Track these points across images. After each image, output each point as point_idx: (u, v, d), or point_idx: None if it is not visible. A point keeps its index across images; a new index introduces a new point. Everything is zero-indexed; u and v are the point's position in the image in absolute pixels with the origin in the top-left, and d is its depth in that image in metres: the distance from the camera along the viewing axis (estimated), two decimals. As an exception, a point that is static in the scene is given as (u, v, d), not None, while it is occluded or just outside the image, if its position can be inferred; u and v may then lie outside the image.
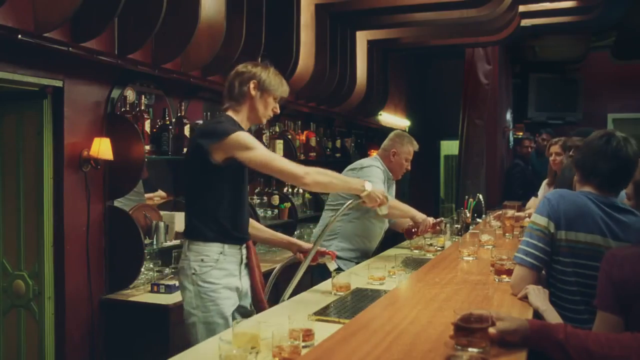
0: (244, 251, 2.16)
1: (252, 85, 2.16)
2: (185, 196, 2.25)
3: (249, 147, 2.03)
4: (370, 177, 3.01)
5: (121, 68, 2.92)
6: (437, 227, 3.27)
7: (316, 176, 2.13)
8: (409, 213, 3.19)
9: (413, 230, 3.24)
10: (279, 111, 2.27)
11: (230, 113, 2.18)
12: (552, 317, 1.63)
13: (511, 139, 7.80)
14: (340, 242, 3.12)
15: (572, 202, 1.85)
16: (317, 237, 2.62)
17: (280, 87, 2.23)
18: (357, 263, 3.13)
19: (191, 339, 2.04)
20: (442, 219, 3.40)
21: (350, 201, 2.33)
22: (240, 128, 2.12)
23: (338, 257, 2.97)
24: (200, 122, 3.72)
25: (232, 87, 2.20)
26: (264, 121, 2.26)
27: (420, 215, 3.17)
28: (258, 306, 2.20)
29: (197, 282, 2.04)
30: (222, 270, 2.07)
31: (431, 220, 3.17)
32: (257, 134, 4.17)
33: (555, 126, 7.53)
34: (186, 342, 1.98)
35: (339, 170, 2.93)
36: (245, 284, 2.17)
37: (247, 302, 2.20)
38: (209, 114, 3.79)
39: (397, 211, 3.13)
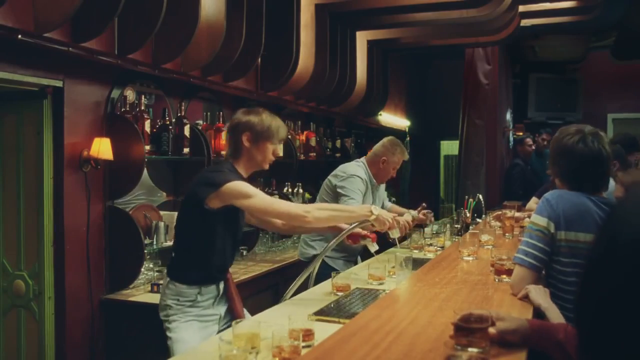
0: (221, 285, 2.24)
1: (245, 138, 2.18)
2: (176, 235, 2.30)
3: (248, 195, 2.07)
4: (349, 191, 3.07)
5: (121, 68, 2.92)
6: (423, 217, 3.36)
7: (317, 213, 2.15)
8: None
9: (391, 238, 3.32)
10: (281, 154, 2.28)
11: (231, 160, 2.23)
12: (554, 314, 1.62)
13: (511, 139, 7.80)
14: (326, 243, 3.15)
15: (571, 202, 1.86)
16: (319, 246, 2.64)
17: (276, 133, 2.22)
18: (346, 261, 3.20)
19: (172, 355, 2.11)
20: (422, 206, 3.44)
21: (356, 223, 2.33)
22: (241, 176, 2.16)
23: (326, 256, 3.02)
24: (200, 122, 3.73)
25: (229, 139, 2.25)
26: (266, 167, 2.28)
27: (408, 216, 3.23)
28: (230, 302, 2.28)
29: (170, 314, 2.14)
30: (196, 308, 2.16)
31: (410, 218, 3.15)
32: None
33: (555, 126, 7.52)
34: None
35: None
36: (218, 311, 2.23)
37: (222, 325, 2.25)
38: (208, 114, 3.80)
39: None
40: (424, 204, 3.49)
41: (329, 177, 3.29)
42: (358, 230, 2.41)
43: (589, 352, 0.65)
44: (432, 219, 3.54)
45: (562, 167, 1.96)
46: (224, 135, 3.67)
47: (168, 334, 2.13)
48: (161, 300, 2.19)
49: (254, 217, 2.42)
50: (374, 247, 2.54)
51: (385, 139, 3.40)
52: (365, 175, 3.23)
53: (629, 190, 0.78)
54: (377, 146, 3.36)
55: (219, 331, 2.17)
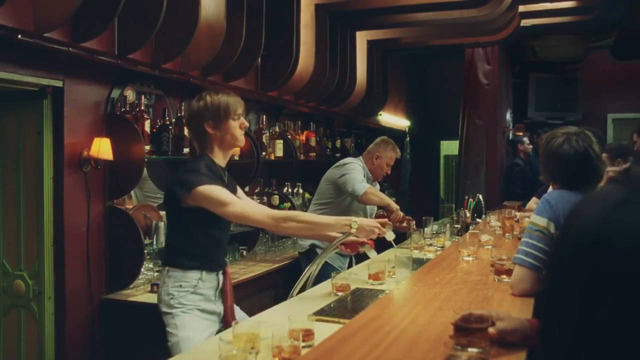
0: (221, 277, 2.21)
1: (207, 127, 2.13)
2: (167, 224, 2.28)
3: (222, 203, 2.04)
4: (350, 170, 3.31)
5: (121, 68, 2.92)
6: (404, 225, 3.52)
7: (292, 224, 2.10)
8: (385, 201, 3.48)
9: (383, 214, 3.50)
10: (247, 124, 2.21)
11: (207, 153, 2.18)
12: None
13: (510, 139, 7.81)
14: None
15: (571, 202, 1.85)
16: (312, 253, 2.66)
17: (233, 107, 2.14)
18: (341, 256, 3.26)
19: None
20: (409, 218, 3.63)
21: (342, 236, 2.20)
22: (218, 173, 2.13)
23: (318, 247, 3.09)
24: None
25: (193, 134, 2.20)
26: (241, 143, 2.22)
27: (394, 205, 3.47)
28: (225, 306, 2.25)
29: (174, 305, 2.09)
30: (198, 295, 2.12)
31: (402, 214, 3.47)
32: (258, 134, 4.17)
33: (555, 126, 7.51)
34: None
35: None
36: (219, 308, 2.21)
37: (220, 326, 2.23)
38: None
39: (376, 198, 3.43)
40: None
41: (328, 171, 3.42)
42: (353, 238, 2.28)
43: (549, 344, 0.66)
44: (414, 226, 3.60)
45: (553, 171, 1.97)
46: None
47: (170, 330, 2.08)
48: (161, 292, 2.13)
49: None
50: (373, 254, 2.55)
51: (377, 139, 3.66)
52: (363, 168, 3.48)
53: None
54: (371, 145, 3.64)
55: (218, 332, 2.16)
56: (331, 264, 3.21)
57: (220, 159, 2.19)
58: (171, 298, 2.10)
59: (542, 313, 0.71)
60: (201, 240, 2.13)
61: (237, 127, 2.16)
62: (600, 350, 0.59)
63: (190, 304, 2.10)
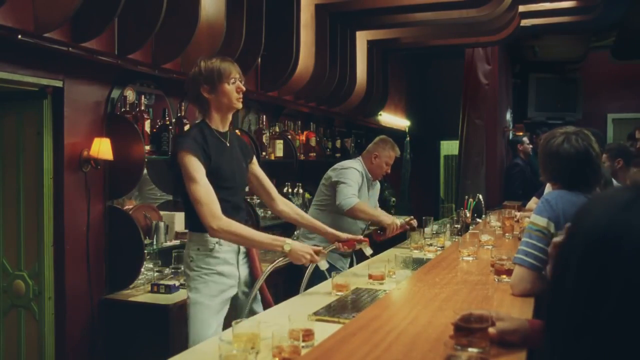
0: None
1: (203, 91, 2.17)
2: (182, 192, 2.28)
3: (190, 177, 2.06)
4: (346, 179, 3.28)
5: (121, 68, 2.92)
6: (407, 227, 3.45)
7: (224, 235, 2.09)
8: (376, 218, 3.35)
9: (379, 232, 3.39)
10: (243, 88, 2.22)
11: (202, 118, 2.23)
12: None
13: (510, 139, 7.81)
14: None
15: (570, 202, 1.86)
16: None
17: (227, 71, 2.16)
18: (342, 257, 3.26)
19: (187, 321, 2.15)
20: (411, 218, 3.56)
21: (279, 259, 2.30)
22: (213, 135, 2.17)
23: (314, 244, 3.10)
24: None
25: (191, 100, 2.26)
26: (239, 105, 2.23)
27: (387, 220, 3.33)
28: (260, 293, 2.34)
29: (193, 268, 2.17)
30: (216, 259, 2.18)
31: (399, 222, 3.34)
32: (258, 134, 4.17)
33: (555, 126, 7.50)
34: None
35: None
36: (243, 272, 2.27)
37: (245, 289, 2.30)
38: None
39: (364, 215, 3.31)
40: (411, 218, 3.61)
41: (327, 172, 3.42)
42: (350, 235, 2.57)
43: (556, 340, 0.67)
44: (415, 224, 3.59)
45: (553, 171, 1.97)
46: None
47: (189, 294, 2.16)
48: (184, 255, 2.23)
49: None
50: (368, 251, 2.65)
51: (376, 138, 3.62)
52: (362, 169, 3.45)
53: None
54: (370, 144, 3.61)
55: (234, 297, 2.23)
56: (333, 264, 3.21)
57: (218, 123, 2.23)
58: (190, 261, 2.18)
59: (547, 310, 0.72)
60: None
61: (234, 90, 2.19)
62: (602, 348, 0.60)
63: (207, 268, 2.16)
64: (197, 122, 2.26)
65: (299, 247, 2.19)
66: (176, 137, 2.23)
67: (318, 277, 2.61)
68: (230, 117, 2.28)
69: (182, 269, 2.25)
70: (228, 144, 2.24)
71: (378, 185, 3.71)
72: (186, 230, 2.31)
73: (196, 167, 2.07)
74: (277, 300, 2.36)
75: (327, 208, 3.38)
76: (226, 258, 2.20)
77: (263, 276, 2.28)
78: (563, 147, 1.91)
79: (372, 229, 3.58)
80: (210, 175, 2.11)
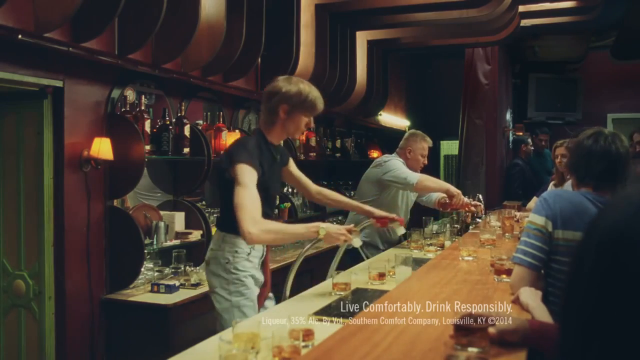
0: (264, 248, 2.34)
1: (282, 110, 2.22)
2: (219, 191, 2.34)
3: (239, 181, 2.08)
4: (394, 167, 3.37)
5: (121, 68, 2.92)
6: (472, 208, 3.52)
7: (263, 235, 2.07)
8: (443, 187, 3.44)
9: (446, 202, 3.49)
10: (313, 125, 2.36)
11: (262, 129, 2.29)
12: (541, 314, 1.61)
13: (510, 138, 7.80)
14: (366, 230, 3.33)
15: (568, 201, 1.86)
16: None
17: (313, 106, 2.24)
18: (384, 250, 3.42)
19: (222, 323, 2.17)
20: (480, 203, 3.62)
21: (313, 241, 2.41)
22: (267, 148, 2.24)
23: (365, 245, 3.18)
24: (200, 122, 3.73)
25: (264, 107, 2.29)
26: (298, 137, 2.33)
27: (455, 189, 3.42)
28: (264, 296, 2.40)
29: (231, 270, 2.20)
30: (250, 262, 2.26)
31: (466, 199, 3.44)
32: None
33: (555, 126, 7.53)
34: (212, 328, 2.16)
35: (341, 169, 2.98)
36: (262, 277, 2.35)
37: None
38: (208, 114, 3.79)
39: (433, 184, 3.40)
40: (479, 195, 3.72)
41: (367, 171, 3.54)
42: (385, 213, 2.70)
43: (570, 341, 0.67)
44: (482, 210, 3.68)
45: (573, 163, 1.94)
46: (224, 135, 3.67)
47: (221, 294, 2.19)
48: (216, 255, 2.23)
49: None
50: (401, 230, 2.79)
51: (406, 133, 3.79)
52: (403, 163, 3.51)
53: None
54: (401, 141, 3.73)
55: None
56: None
57: (274, 138, 2.30)
58: (226, 262, 2.20)
59: (561, 311, 0.72)
60: None
61: (304, 123, 2.27)
62: (611, 345, 0.60)
63: (245, 271, 2.21)
64: (255, 129, 2.33)
65: (334, 230, 2.19)
66: (234, 144, 2.25)
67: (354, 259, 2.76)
68: (285, 137, 2.38)
69: (211, 270, 2.23)
70: (277, 158, 2.34)
71: None
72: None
73: (249, 175, 2.10)
74: (278, 300, 2.37)
75: (374, 205, 3.38)
76: (255, 263, 2.28)
77: (292, 271, 2.38)
78: (588, 141, 1.88)
79: (441, 196, 3.62)
80: (259, 189, 2.12)
